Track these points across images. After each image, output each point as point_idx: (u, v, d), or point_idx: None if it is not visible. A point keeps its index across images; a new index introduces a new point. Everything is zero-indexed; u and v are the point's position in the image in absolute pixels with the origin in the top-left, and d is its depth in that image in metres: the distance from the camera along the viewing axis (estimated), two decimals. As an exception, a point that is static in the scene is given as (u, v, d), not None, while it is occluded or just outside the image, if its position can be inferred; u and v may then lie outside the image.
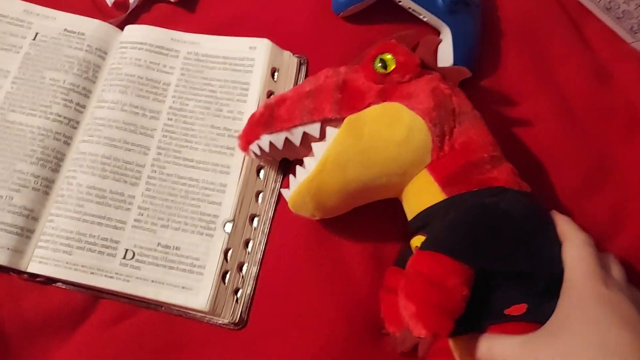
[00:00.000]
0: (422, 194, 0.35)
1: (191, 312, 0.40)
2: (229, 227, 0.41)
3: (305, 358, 0.39)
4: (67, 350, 0.40)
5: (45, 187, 0.42)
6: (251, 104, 0.43)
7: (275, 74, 0.44)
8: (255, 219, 0.42)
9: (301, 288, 0.41)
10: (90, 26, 0.46)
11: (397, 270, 0.39)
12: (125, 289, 0.39)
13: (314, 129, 0.36)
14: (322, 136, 0.36)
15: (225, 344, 0.40)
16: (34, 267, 0.40)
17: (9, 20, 0.46)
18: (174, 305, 0.40)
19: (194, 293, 0.39)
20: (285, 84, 0.45)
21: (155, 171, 0.42)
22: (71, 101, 0.44)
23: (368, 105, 0.35)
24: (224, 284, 0.40)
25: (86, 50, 0.45)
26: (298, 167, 0.37)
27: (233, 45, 0.45)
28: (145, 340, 0.40)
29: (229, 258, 0.40)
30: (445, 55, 0.45)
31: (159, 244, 0.40)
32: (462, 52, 0.44)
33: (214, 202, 0.41)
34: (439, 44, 0.38)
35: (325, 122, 0.36)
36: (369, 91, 0.35)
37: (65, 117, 0.43)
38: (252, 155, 0.40)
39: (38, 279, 0.40)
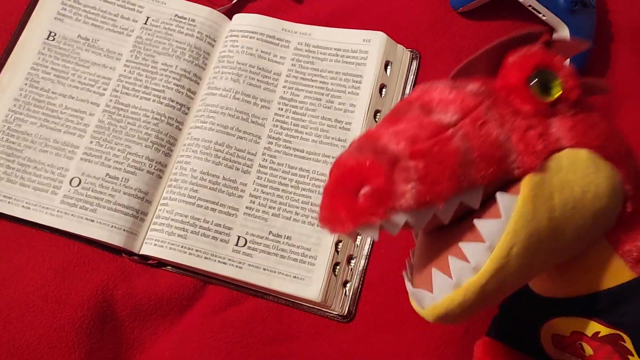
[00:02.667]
0: (602, 270, 0.28)
1: (300, 302, 0.42)
2: (340, 219, 0.42)
3: (416, 357, 0.40)
4: (176, 333, 0.42)
5: (159, 171, 0.44)
6: (363, 97, 0.45)
7: (388, 67, 0.46)
8: (364, 213, 0.44)
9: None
10: (201, 13, 0.49)
11: (497, 346, 0.33)
12: (238, 276, 0.41)
13: (475, 198, 0.24)
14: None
15: (334, 336, 0.42)
16: (147, 250, 0.42)
17: (121, 4, 0.49)
18: (284, 295, 0.41)
19: (306, 283, 0.41)
20: (397, 79, 0.47)
21: (266, 160, 0.44)
22: (183, 87, 0.46)
23: (551, 154, 0.25)
24: (335, 275, 0.42)
25: (197, 37, 0.48)
26: (452, 259, 0.24)
27: (346, 37, 0.47)
28: (254, 327, 0.42)
29: (339, 250, 0.42)
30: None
31: (270, 233, 0.42)
32: (578, 54, 0.45)
33: (325, 194, 0.43)
34: (580, 48, 0.29)
35: (490, 185, 0.25)
36: (545, 130, 0.25)
37: (177, 103, 0.46)
38: (354, 238, 0.31)
39: (150, 262, 0.42)
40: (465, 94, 0.25)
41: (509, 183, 0.24)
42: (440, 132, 0.23)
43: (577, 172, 0.25)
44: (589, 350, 0.28)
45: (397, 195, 0.22)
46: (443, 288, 0.24)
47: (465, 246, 0.24)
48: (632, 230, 0.27)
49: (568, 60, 0.45)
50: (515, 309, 0.32)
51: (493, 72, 0.26)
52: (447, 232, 0.25)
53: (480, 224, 0.24)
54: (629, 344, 0.26)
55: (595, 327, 0.27)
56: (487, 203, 0.24)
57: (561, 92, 0.25)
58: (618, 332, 0.27)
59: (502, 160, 0.24)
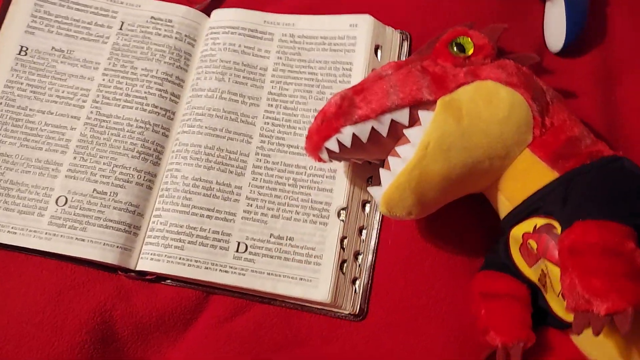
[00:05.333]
0: (527, 176, 0.35)
1: (309, 304, 0.41)
2: (343, 214, 0.41)
3: (434, 351, 0.39)
4: (182, 348, 0.41)
5: (149, 182, 0.43)
6: (356, 85, 0.44)
7: (379, 51, 0.45)
8: (367, 206, 0.42)
9: (420, 277, 0.41)
10: (178, 12, 0.47)
11: (489, 274, 0.39)
12: (241, 283, 0.40)
13: (403, 116, 0.36)
14: (410, 124, 0.36)
15: (347, 336, 0.41)
16: (144, 265, 0.41)
17: (93, 10, 0.48)
18: (291, 299, 0.40)
19: (313, 285, 0.40)
20: (389, 62, 0.45)
21: (260, 160, 0.43)
22: (166, 91, 0.45)
23: (459, 86, 0.36)
24: (343, 273, 0.40)
25: (176, 38, 0.46)
26: (391, 158, 0.36)
27: (331, 23, 0.46)
28: (263, 335, 0.41)
29: (345, 247, 0.41)
30: (558, 23, 0.44)
31: (271, 235, 0.41)
32: (575, 20, 0.45)
33: (325, 189, 0.42)
34: (502, 31, 0.40)
35: (414, 107, 0.36)
36: (454, 73, 0.36)
37: (161, 108, 0.44)
38: (325, 157, 0.38)
39: (147, 277, 0.41)
40: (403, 62, 0.39)
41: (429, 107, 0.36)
42: (377, 80, 0.37)
43: (481, 92, 0.35)
44: (534, 245, 0.34)
45: (345, 116, 0.36)
46: (386, 179, 0.35)
47: (398, 147, 0.36)
48: (551, 138, 0.35)
49: (564, 27, 0.45)
50: (495, 244, 0.39)
51: None
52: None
53: (407, 131, 0.36)
54: (559, 231, 0.32)
55: (534, 222, 0.34)
56: (416, 122, 0.36)
57: (472, 49, 0.37)
58: (550, 220, 0.33)
59: (418, 89, 0.36)
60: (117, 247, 0.41)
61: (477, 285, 0.39)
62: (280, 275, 0.41)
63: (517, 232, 0.36)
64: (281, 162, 0.43)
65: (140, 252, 0.42)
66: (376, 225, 0.43)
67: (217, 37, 0.47)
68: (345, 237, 0.42)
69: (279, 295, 0.41)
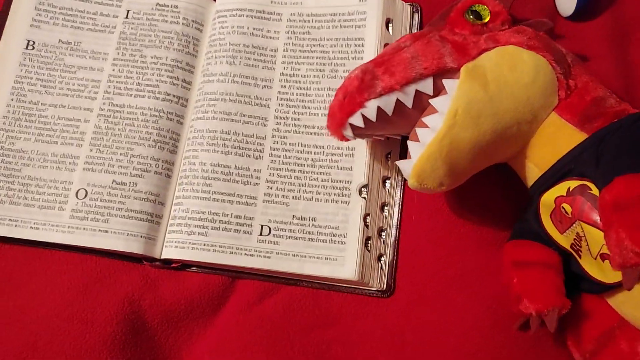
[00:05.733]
0: (555, 140, 0.35)
1: (336, 284, 0.41)
2: (364, 192, 0.41)
3: (465, 323, 0.39)
4: (213, 334, 0.41)
5: (167, 170, 0.43)
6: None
7: (390, 25, 0.44)
8: (387, 182, 0.42)
9: (446, 250, 0.41)
10: (183, -3, 0.46)
11: (520, 243, 0.38)
12: (267, 266, 0.40)
13: (427, 85, 0.35)
14: (435, 94, 0.36)
15: (376, 313, 0.41)
16: (169, 253, 0.41)
17: (98, 0, 0.47)
18: (318, 278, 0.40)
19: (339, 263, 0.40)
20: (400, 35, 0.45)
21: (277, 142, 0.42)
22: (177, 78, 0.44)
23: (481, 52, 0.36)
24: (368, 251, 0.40)
25: (183, 24, 0.46)
26: (419, 129, 0.35)
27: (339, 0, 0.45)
28: (293, 316, 0.41)
29: (368, 224, 0.41)
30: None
31: (294, 217, 0.41)
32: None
33: (344, 168, 0.42)
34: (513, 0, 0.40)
35: (438, 76, 0.36)
36: (474, 40, 0.36)
37: (174, 96, 0.44)
38: (349, 134, 0.37)
39: (173, 266, 0.41)
40: (419, 33, 0.38)
41: (453, 76, 0.35)
42: (397, 51, 0.37)
43: (505, 57, 0.35)
44: (568, 208, 0.34)
45: (368, 89, 0.35)
46: (415, 151, 0.34)
47: (425, 118, 0.35)
48: (576, 100, 0.35)
49: None
50: (524, 212, 0.39)
51: None
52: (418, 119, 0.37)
53: (433, 101, 0.35)
54: (595, 191, 0.32)
55: (567, 185, 0.34)
56: (441, 92, 0.36)
57: (489, 16, 0.37)
58: (584, 181, 0.33)
59: (440, 57, 0.35)
60: (141, 236, 0.41)
61: (507, 254, 0.38)
62: (305, 256, 0.41)
63: (549, 197, 0.35)
64: (298, 143, 0.43)
65: (164, 240, 0.42)
66: (398, 201, 0.43)
67: (225, 20, 0.46)
68: (368, 215, 0.41)
69: (305, 275, 0.41)
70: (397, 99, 0.35)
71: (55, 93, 0.44)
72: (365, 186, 0.42)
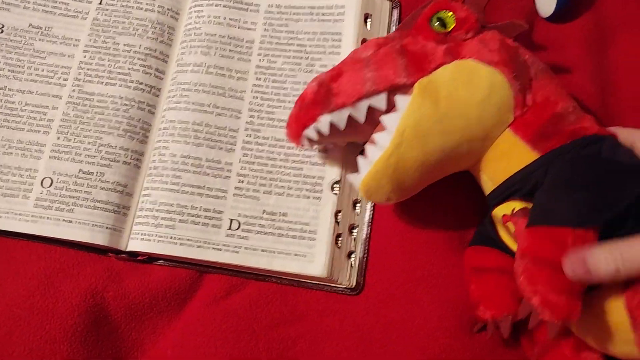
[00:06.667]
0: (508, 157, 0.35)
1: (304, 280, 0.40)
2: (336, 188, 0.41)
3: (431, 323, 0.39)
4: (178, 328, 0.41)
5: (136, 160, 0.42)
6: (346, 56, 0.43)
7: (368, 20, 0.44)
8: (360, 179, 0.42)
9: (416, 249, 0.41)
10: (159, -15, 0.46)
11: (479, 249, 0.39)
12: (235, 261, 0.40)
13: (380, 101, 0.35)
14: (389, 109, 0.35)
15: (344, 310, 0.41)
16: (135, 245, 0.40)
17: (71, -15, 0.46)
18: (287, 275, 0.40)
19: (308, 260, 0.39)
20: (379, 31, 0.45)
21: (250, 135, 0.42)
22: (150, 67, 0.44)
23: (438, 66, 0.34)
24: (338, 248, 0.40)
25: (158, 12, 0.45)
26: (368, 146, 0.35)
27: (318, -7, 0.45)
28: (260, 312, 0.41)
29: (339, 220, 0.40)
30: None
31: (264, 212, 0.41)
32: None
33: (317, 163, 0.42)
34: (487, 2, 0.38)
35: (392, 91, 0.35)
36: (433, 52, 0.35)
37: (146, 85, 0.43)
38: (306, 144, 0.38)
39: (139, 258, 0.40)
40: (384, 39, 0.37)
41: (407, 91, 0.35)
42: (356, 63, 0.36)
43: (461, 73, 0.34)
44: (512, 227, 0.34)
45: (321, 103, 0.36)
46: (364, 167, 0.35)
47: (375, 135, 0.35)
48: (532, 117, 0.34)
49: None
50: (481, 218, 0.40)
51: None
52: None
53: (383, 118, 0.35)
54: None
55: (512, 205, 0.34)
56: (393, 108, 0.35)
57: (454, 24, 0.35)
58: (527, 204, 0.33)
59: (395, 73, 0.34)
60: (107, 228, 0.40)
61: (467, 259, 0.39)
62: (275, 252, 0.40)
63: (498, 212, 0.35)
64: (272, 137, 0.43)
65: (131, 232, 0.41)
66: (370, 198, 0.42)
67: (202, 9, 0.45)
68: (340, 211, 0.41)
69: (274, 271, 0.40)
70: (349, 115, 0.35)
71: (24, 79, 0.44)
72: (337, 182, 0.41)
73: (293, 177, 0.42)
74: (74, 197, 0.40)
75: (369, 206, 0.42)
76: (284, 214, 0.41)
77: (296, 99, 0.43)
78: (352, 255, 0.41)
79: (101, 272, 0.40)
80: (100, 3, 0.46)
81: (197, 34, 0.45)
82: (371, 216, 0.42)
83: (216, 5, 0.45)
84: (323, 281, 0.40)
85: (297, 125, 0.37)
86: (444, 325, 0.39)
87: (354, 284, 0.40)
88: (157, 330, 0.40)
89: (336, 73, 0.36)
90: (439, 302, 0.39)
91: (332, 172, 0.42)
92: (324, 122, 0.36)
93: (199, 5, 0.46)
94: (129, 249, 0.41)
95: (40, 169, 0.41)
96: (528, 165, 0.33)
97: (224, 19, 0.45)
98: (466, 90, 0.33)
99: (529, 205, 0.33)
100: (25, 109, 0.43)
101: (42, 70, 0.44)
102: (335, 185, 0.41)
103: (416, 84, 0.34)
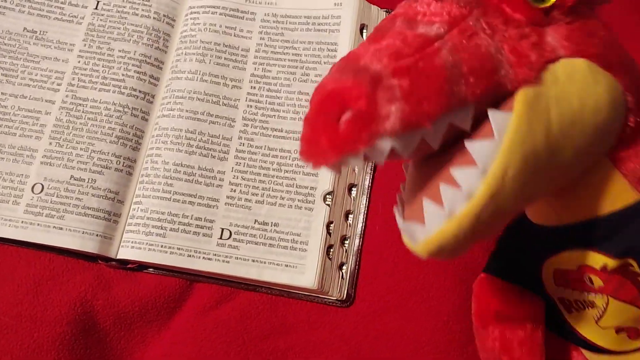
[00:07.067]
0: (596, 193, 0.26)
1: (295, 291, 0.40)
2: (329, 199, 0.40)
3: (423, 337, 0.38)
4: (167, 338, 0.41)
5: (128, 168, 0.42)
6: (341, 66, 0.43)
7: (364, 31, 0.44)
8: (353, 189, 0.42)
9: (408, 262, 0.41)
10: (155, -9, 0.46)
11: (504, 286, 0.32)
12: (225, 271, 0.39)
13: (464, 117, 0.22)
14: (473, 124, 0.24)
15: (335, 323, 0.40)
16: (125, 253, 0.40)
17: (67, -10, 0.46)
18: (277, 285, 0.40)
19: (299, 271, 0.39)
20: None
21: (243, 144, 0.42)
22: (145, 74, 0.44)
23: (546, 64, 0.23)
24: (329, 259, 0.40)
25: (154, 18, 0.45)
26: (444, 187, 0.22)
27: (315, 2, 0.45)
28: (250, 323, 0.40)
29: (331, 232, 0.40)
30: None
31: (255, 221, 0.40)
32: None
33: (310, 174, 0.41)
34: None
35: (482, 101, 0.23)
36: (534, 41, 0.23)
37: (140, 91, 0.43)
38: (337, 170, 0.23)
39: (129, 266, 0.40)
40: (452, 5, 0.23)
41: (501, 99, 0.23)
42: (426, 46, 0.22)
43: (575, 84, 0.23)
44: (598, 282, 0.27)
45: (380, 117, 0.21)
46: (435, 219, 0.22)
47: (456, 171, 0.22)
48: (636, 146, 0.26)
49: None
50: (514, 243, 0.31)
51: None
52: (438, 160, 0.24)
53: (471, 145, 0.22)
54: (636, 268, 0.26)
55: (603, 260, 0.27)
56: (479, 123, 0.23)
57: None
58: (626, 260, 0.26)
59: (493, 73, 0.22)
60: (97, 235, 0.40)
61: (487, 295, 0.32)
62: (265, 262, 0.40)
63: (570, 259, 0.28)
64: (265, 146, 0.43)
65: (121, 240, 0.41)
66: (363, 210, 0.42)
67: (197, 17, 0.45)
68: (332, 222, 0.41)
69: (264, 282, 0.40)
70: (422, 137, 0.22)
71: (17, 83, 0.43)
72: (330, 193, 0.41)
73: (285, 187, 0.42)
74: (65, 203, 0.40)
75: (361, 218, 0.42)
76: (276, 224, 0.41)
77: (290, 108, 0.43)
78: (344, 267, 0.41)
79: (91, 280, 0.40)
80: (95, 8, 0.46)
81: (192, 41, 0.45)
82: (363, 228, 0.42)
83: (212, 13, 0.45)
84: (314, 293, 0.40)
85: (334, 152, 0.21)
86: (434, 339, 0.39)
87: (345, 296, 0.40)
88: (146, 339, 0.40)
89: (405, 66, 0.21)
90: (430, 315, 0.39)
91: (325, 182, 0.41)
92: (382, 148, 0.21)
93: (195, 13, 0.46)
94: (119, 256, 0.41)
95: (31, 174, 0.41)
96: (630, 206, 0.26)
97: (220, 26, 0.45)
98: (582, 107, 0.23)
99: (612, 263, 0.27)
100: (18, 114, 0.43)
101: (36, 75, 0.44)
102: (327, 196, 0.41)
103: (520, 96, 0.22)
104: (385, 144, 0.21)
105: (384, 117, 0.21)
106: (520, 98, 0.22)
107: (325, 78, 0.23)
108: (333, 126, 0.21)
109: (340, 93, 0.21)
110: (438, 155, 0.23)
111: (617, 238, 0.26)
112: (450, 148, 0.23)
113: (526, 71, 0.22)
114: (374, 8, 0.45)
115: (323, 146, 0.22)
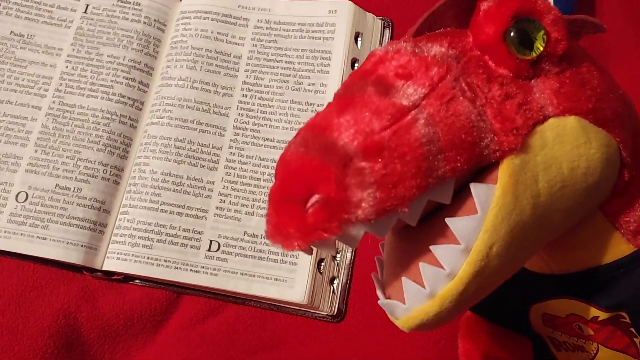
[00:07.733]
0: (588, 246, 0.25)
1: (284, 305, 0.39)
2: (321, 211, 0.39)
3: (413, 354, 0.38)
4: (152, 352, 0.40)
5: (115, 177, 0.41)
6: (335, 75, 0.43)
7: (359, 39, 0.43)
8: (346, 202, 0.41)
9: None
10: (146, -5, 0.45)
11: (492, 329, 0.31)
12: (213, 284, 0.39)
13: (444, 193, 0.21)
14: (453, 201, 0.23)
15: (325, 338, 0.40)
16: (110, 265, 0.39)
17: (56, -7, 0.45)
18: (266, 299, 0.39)
19: (289, 285, 0.39)
20: (369, 51, 0.43)
21: (233, 153, 0.41)
22: (134, 80, 0.43)
23: (533, 127, 0.21)
24: (320, 273, 0.39)
25: (144, 23, 0.44)
26: (423, 266, 0.21)
27: (309, 9, 0.44)
28: (237, 337, 0.40)
29: (322, 245, 0.39)
30: None
31: (245, 233, 0.40)
32: (562, 7, 0.43)
33: (302, 185, 0.40)
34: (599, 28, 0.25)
35: (462, 176, 0.21)
36: (520, 100, 0.21)
37: (129, 98, 0.42)
38: (309, 253, 0.22)
39: (114, 278, 0.39)
40: (428, 62, 0.21)
41: (485, 166, 0.21)
42: (400, 117, 0.20)
43: (565, 146, 0.22)
44: (588, 331, 0.27)
45: (351, 204, 0.19)
46: (416, 299, 0.21)
47: (437, 250, 0.21)
48: (630, 199, 0.25)
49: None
50: (501, 286, 0.30)
51: (463, 22, 0.22)
52: (417, 231, 0.22)
53: (453, 223, 0.20)
54: (628, 320, 0.25)
55: (594, 312, 0.26)
56: (460, 195, 0.21)
57: (544, 45, 0.21)
58: (617, 313, 0.25)
59: (474, 145, 0.20)
60: (82, 246, 0.39)
61: (474, 339, 0.31)
62: (254, 275, 0.39)
63: (559, 307, 0.27)
64: (256, 156, 0.42)
65: (107, 251, 0.40)
66: (355, 222, 0.41)
67: (189, 22, 0.44)
68: (323, 235, 0.40)
69: (253, 296, 0.39)
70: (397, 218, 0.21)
71: (3, 88, 0.42)
72: (321, 205, 0.40)
73: (276, 199, 0.41)
74: (50, 212, 0.39)
75: (353, 230, 0.41)
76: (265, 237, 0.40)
77: (283, 117, 0.42)
78: (335, 281, 0.40)
79: (75, 292, 0.39)
80: (85, 11, 0.45)
81: (183, 47, 0.44)
82: (356, 241, 0.41)
83: (204, 18, 0.44)
84: (303, 307, 0.39)
85: (302, 239, 0.20)
86: (425, 357, 0.38)
87: (336, 311, 0.39)
88: (130, 353, 0.39)
89: (377, 146, 0.19)
90: (422, 333, 0.38)
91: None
92: (355, 234, 0.20)
93: (186, 18, 0.45)
94: (105, 268, 0.40)
95: (15, 182, 0.40)
96: (623, 258, 0.25)
97: (212, 32, 0.44)
98: (572, 170, 0.22)
99: (603, 315, 0.26)
100: (3, 120, 0.42)
101: (23, 80, 0.43)
102: (319, 209, 0.40)
103: (504, 167, 0.21)
104: (358, 231, 0.20)
105: (355, 205, 0.19)
106: (505, 169, 0.21)
107: (289, 150, 0.21)
108: (300, 213, 0.20)
109: (307, 174, 0.19)
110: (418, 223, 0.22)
111: (609, 291, 0.25)
112: (431, 216, 0.22)
113: (511, 138, 0.21)
114: (369, 16, 0.45)
115: (290, 232, 0.20)
